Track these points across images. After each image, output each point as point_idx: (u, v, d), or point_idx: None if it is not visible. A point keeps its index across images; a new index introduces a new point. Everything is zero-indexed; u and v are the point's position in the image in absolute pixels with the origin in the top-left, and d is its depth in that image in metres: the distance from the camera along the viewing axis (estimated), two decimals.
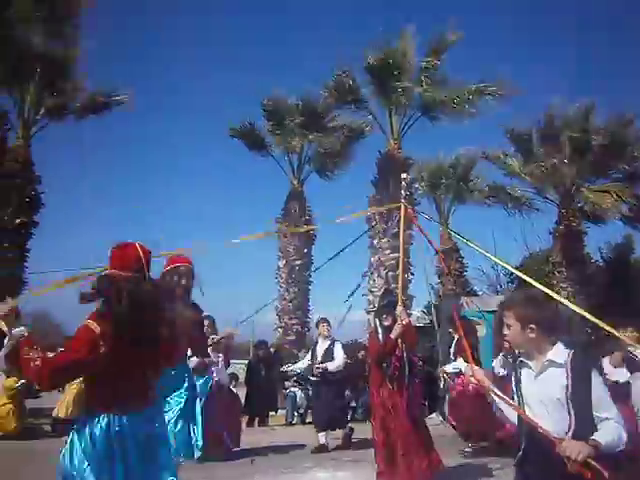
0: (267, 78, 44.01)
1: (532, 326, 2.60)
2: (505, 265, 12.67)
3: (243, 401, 10.06)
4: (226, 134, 16.20)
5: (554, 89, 34.16)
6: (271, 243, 16.29)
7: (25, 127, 13.04)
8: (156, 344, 2.78)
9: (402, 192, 5.70)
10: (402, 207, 5.64)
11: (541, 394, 2.57)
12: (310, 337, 17.31)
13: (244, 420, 9.97)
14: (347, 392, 10.44)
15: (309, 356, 8.05)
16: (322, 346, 7.70)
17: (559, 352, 2.60)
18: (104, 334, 2.61)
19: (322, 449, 7.24)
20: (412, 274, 12.91)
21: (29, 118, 13.08)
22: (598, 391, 2.48)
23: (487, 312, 12.22)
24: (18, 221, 12.24)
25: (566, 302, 4.78)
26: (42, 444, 7.28)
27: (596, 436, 2.37)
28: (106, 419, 2.64)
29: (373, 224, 12.95)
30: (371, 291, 12.96)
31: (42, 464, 5.45)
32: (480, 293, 19.79)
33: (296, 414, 10.29)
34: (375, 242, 12.99)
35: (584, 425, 2.44)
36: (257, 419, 10.02)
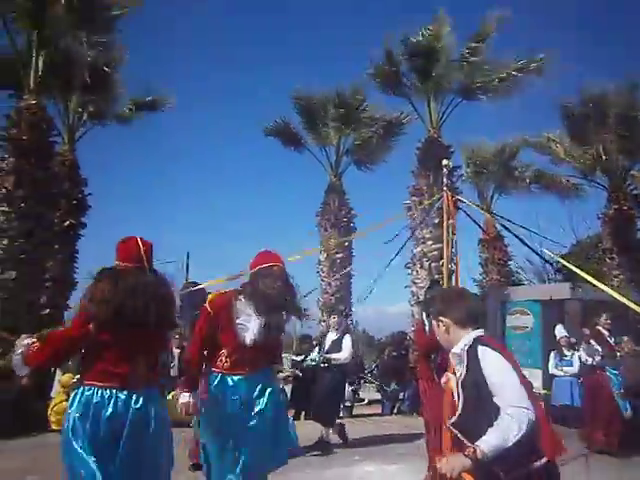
0: (300, 74, 43.97)
1: (442, 319, 2.54)
2: (551, 255, 12.26)
3: (289, 395, 10.13)
4: (262, 133, 16.27)
5: (598, 68, 32.86)
6: (312, 237, 16.31)
7: (70, 132, 13.46)
8: (148, 328, 3.02)
9: (444, 179, 5.58)
10: (444, 195, 5.53)
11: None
12: (353, 330, 17.31)
13: (290, 414, 10.04)
14: (350, 388, 10.36)
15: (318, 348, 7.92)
16: (331, 337, 7.61)
17: (461, 343, 2.47)
18: (95, 316, 2.96)
19: (321, 444, 6.84)
20: (455, 265, 12.65)
21: (74, 123, 13.49)
22: (495, 377, 2.29)
23: (534, 302, 11.92)
24: (66, 223, 12.67)
25: (608, 290, 4.56)
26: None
27: (481, 440, 2.14)
28: (99, 391, 2.93)
29: (414, 215, 12.76)
30: (414, 282, 12.78)
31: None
32: (526, 283, 19.34)
33: (342, 407, 10.26)
34: (417, 233, 12.79)
35: (470, 412, 2.34)
36: (303, 413, 10.03)
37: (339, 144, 15.58)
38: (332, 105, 14.91)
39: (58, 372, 9.00)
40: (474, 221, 5.70)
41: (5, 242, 9.67)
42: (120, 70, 13.40)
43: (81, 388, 3.01)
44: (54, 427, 8.11)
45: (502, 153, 15.87)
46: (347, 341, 7.41)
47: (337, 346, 7.37)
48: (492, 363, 2.34)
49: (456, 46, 13.23)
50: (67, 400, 8.20)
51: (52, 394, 8.92)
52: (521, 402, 2.21)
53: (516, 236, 6.95)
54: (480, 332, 2.52)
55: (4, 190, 9.96)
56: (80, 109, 13.49)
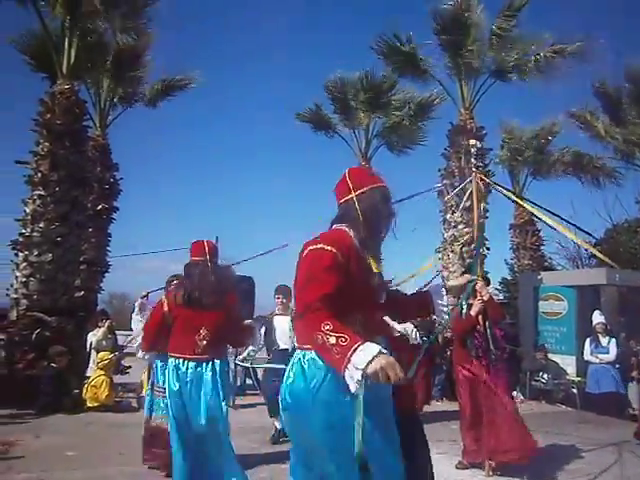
0: (330, 59, 43.50)
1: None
2: (584, 244, 11.94)
3: None
4: (293, 117, 16.19)
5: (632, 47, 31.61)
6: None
7: (102, 117, 13.61)
8: (210, 309, 3.93)
9: (472, 160, 5.39)
10: (474, 176, 5.34)
11: None
12: None
13: None
14: None
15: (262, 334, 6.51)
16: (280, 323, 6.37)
17: None
18: (170, 304, 4.09)
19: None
20: (487, 249, 12.44)
21: (105, 108, 13.63)
22: None
23: (568, 287, 11.67)
24: (99, 207, 12.89)
25: None
26: (129, 417, 7.66)
27: None
28: (175, 361, 3.93)
29: (446, 198, 12.56)
30: (445, 267, 12.61)
31: (129, 436, 5.74)
32: (559, 268, 18.94)
33: None
34: (448, 217, 12.60)
35: None
36: None
37: (369, 127, 15.40)
38: (362, 88, 14.71)
39: (93, 352, 9.22)
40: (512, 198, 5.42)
41: (41, 225, 9.87)
42: (150, 54, 13.48)
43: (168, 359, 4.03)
44: (89, 404, 8.33)
45: (538, 137, 15.44)
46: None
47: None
48: None
49: (487, 22, 12.84)
50: (104, 375, 8.46)
51: (88, 373, 9.15)
52: None
53: (544, 222, 6.73)
54: None
55: (39, 174, 10.13)
56: (111, 94, 13.61)
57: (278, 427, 6.03)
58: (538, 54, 12.52)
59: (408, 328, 6.99)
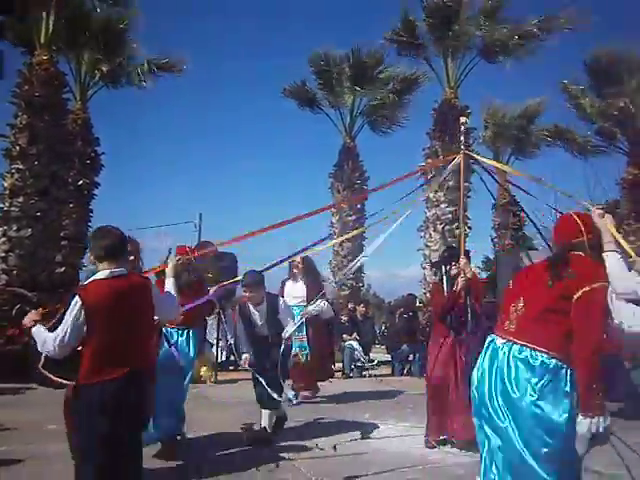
0: (315, 32, 42.97)
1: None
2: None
3: None
4: (278, 94, 16.04)
5: (623, 23, 31.62)
6: (324, 199, 16.23)
7: (82, 90, 13.34)
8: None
9: (461, 138, 5.38)
10: (461, 154, 5.35)
11: None
12: (364, 292, 17.39)
13: None
14: (360, 348, 10.41)
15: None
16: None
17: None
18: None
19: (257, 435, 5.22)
20: (469, 228, 12.58)
21: (86, 81, 13.35)
22: None
23: None
24: (80, 182, 12.70)
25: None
26: None
27: None
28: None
29: (429, 177, 12.61)
30: (427, 246, 12.74)
31: None
32: (540, 248, 19.17)
33: (353, 367, 10.42)
34: (431, 195, 12.68)
35: None
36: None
37: (353, 105, 15.33)
38: (347, 65, 14.61)
39: None
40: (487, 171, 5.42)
41: (20, 200, 9.75)
42: (134, 30, 13.17)
43: None
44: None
45: (522, 116, 15.48)
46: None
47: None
48: None
49: (475, 2, 12.80)
50: None
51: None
52: None
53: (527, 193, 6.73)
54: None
55: (18, 147, 9.96)
56: (93, 68, 13.31)
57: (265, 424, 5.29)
58: (524, 31, 12.51)
59: (321, 305, 6.92)
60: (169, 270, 3.97)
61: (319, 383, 7.77)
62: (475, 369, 2.81)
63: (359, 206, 15.45)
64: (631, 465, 3.18)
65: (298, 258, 6.73)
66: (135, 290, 3.06)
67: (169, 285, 3.76)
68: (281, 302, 5.56)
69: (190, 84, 46.48)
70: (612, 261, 2.62)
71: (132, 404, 2.90)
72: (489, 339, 2.82)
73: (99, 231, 3.20)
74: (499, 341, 2.72)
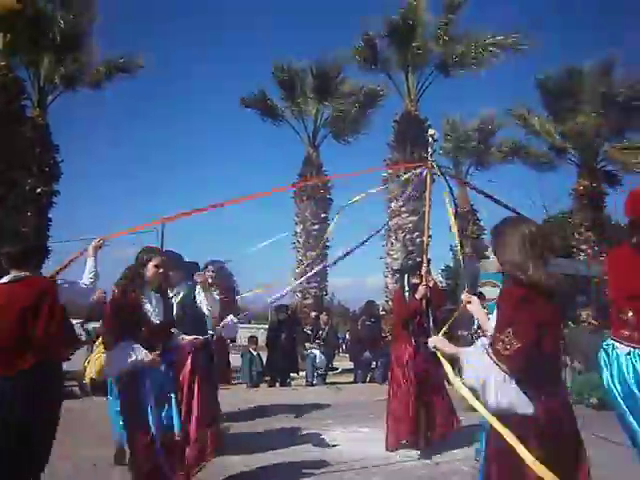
0: (278, 44, 43.23)
1: None
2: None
3: (265, 363, 10.31)
4: (238, 104, 16.10)
5: (574, 45, 33.09)
6: (287, 208, 16.36)
7: (41, 96, 13.08)
8: None
9: (429, 149, 5.54)
10: (429, 165, 5.49)
11: None
12: (327, 300, 17.52)
13: (266, 382, 10.24)
14: (323, 357, 10.48)
15: None
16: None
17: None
18: None
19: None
20: (430, 237, 12.85)
21: (44, 87, 13.10)
22: None
23: (503, 274, 12.25)
24: (39, 190, 12.41)
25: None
26: (72, 403, 7.53)
27: None
28: None
29: (390, 187, 12.90)
30: (389, 254, 12.98)
31: (78, 421, 5.69)
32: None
33: (316, 374, 10.50)
34: (393, 205, 12.95)
35: None
36: (279, 380, 10.24)
37: (317, 116, 15.53)
38: (310, 76, 14.81)
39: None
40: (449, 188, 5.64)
41: None
42: (93, 33, 13.05)
43: None
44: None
45: (482, 129, 16.04)
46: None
47: None
48: None
49: (433, 20, 13.24)
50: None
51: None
52: None
53: (501, 203, 7.00)
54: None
55: None
56: (52, 72, 13.09)
57: None
58: (479, 48, 12.97)
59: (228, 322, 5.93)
60: (90, 250, 3.96)
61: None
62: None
63: (323, 215, 15.62)
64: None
65: (210, 269, 5.68)
66: (30, 293, 3.27)
67: (88, 266, 3.88)
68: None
69: (151, 89, 45.98)
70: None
71: (24, 398, 3.12)
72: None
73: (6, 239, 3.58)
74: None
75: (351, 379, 10.99)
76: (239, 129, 51.04)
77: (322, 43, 37.68)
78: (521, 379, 2.09)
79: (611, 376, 3.14)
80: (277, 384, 10.16)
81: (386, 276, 13.57)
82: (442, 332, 2.79)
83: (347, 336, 15.43)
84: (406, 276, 5.69)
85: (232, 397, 8.29)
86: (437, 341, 2.54)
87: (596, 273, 12.67)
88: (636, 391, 3.01)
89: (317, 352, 10.59)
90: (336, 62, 14.65)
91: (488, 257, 17.14)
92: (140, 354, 3.38)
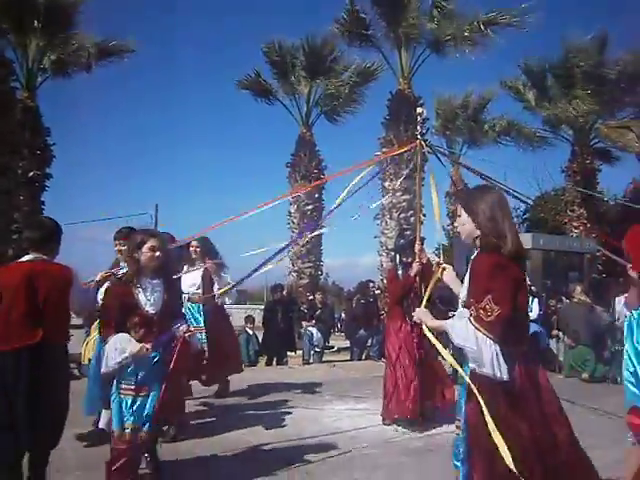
0: (270, 21, 42.62)
1: None
2: (522, 197, 12.61)
3: (261, 342, 10.43)
4: (234, 85, 15.96)
5: (568, 22, 32.87)
6: (282, 188, 16.34)
7: (30, 78, 12.93)
8: None
9: (418, 128, 5.54)
10: (418, 143, 5.52)
11: None
12: (322, 280, 17.63)
13: (263, 361, 10.37)
14: (319, 334, 10.59)
15: None
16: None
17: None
18: None
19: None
20: (424, 215, 12.91)
21: (33, 69, 12.94)
22: None
23: None
24: (31, 174, 12.35)
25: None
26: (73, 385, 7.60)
27: None
28: None
29: (384, 166, 12.87)
30: (383, 233, 13.04)
31: (77, 402, 5.75)
32: None
33: (313, 353, 10.63)
34: (387, 184, 12.96)
35: None
36: (275, 359, 10.37)
37: (309, 94, 15.43)
38: (302, 54, 14.68)
39: None
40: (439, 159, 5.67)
41: None
42: (82, 16, 12.85)
43: None
44: None
45: (469, 105, 15.99)
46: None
47: None
48: None
49: None
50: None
51: None
52: None
53: (498, 182, 7.05)
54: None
55: None
56: (40, 55, 12.91)
57: None
58: (472, 25, 12.87)
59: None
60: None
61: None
62: None
63: (317, 195, 15.62)
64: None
65: (194, 242, 5.86)
66: (46, 275, 3.40)
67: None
68: None
69: (143, 72, 45.43)
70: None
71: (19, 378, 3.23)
72: None
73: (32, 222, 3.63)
74: None
75: (347, 357, 11.14)
76: (233, 110, 50.62)
77: (314, 20, 37.24)
78: (502, 344, 2.15)
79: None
80: (274, 363, 10.29)
81: (381, 255, 13.65)
82: (424, 304, 2.85)
83: (342, 315, 15.56)
84: (398, 255, 5.77)
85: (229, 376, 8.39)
86: (421, 313, 2.58)
87: (588, 249, 12.81)
88: None
89: (314, 330, 10.70)
90: (328, 40, 14.51)
91: None
92: (129, 347, 3.31)
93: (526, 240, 12.30)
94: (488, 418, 2.09)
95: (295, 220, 15.70)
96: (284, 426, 5.38)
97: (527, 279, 2.44)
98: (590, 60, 13.99)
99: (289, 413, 5.96)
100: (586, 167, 15.41)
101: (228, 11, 52.54)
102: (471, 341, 2.19)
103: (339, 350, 12.07)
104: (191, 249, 5.96)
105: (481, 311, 2.16)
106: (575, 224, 15.07)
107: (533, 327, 9.93)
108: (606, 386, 7.77)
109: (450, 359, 2.49)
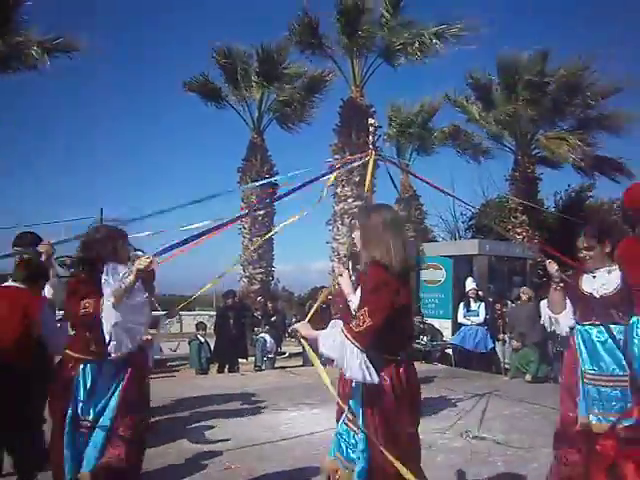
0: (222, 26, 42.31)
1: None
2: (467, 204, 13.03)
3: (213, 349, 10.29)
4: (182, 87, 15.73)
5: (512, 36, 34.24)
6: (233, 194, 16.22)
7: None
8: None
9: (370, 138, 5.71)
10: (371, 153, 5.68)
11: None
12: (273, 286, 17.57)
13: (214, 367, 10.23)
14: (272, 341, 10.63)
15: None
16: None
17: None
18: None
19: None
20: None
21: None
22: None
23: (446, 257, 12.71)
24: None
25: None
26: None
27: None
28: None
29: (336, 172, 13.00)
30: (335, 239, 13.14)
31: None
32: (439, 240, 20.36)
33: (265, 359, 10.57)
34: (339, 190, 13.10)
35: None
36: (227, 366, 10.25)
37: (261, 100, 15.41)
38: (255, 60, 14.64)
39: None
40: (393, 181, 5.88)
41: None
42: (25, 9, 12.37)
43: None
44: None
45: (421, 112, 16.36)
46: None
47: None
48: None
49: (380, 6, 13.36)
50: None
51: None
52: None
53: (446, 193, 7.29)
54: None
55: None
56: None
57: None
58: (422, 36, 13.21)
59: None
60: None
61: None
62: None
63: (268, 200, 15.56)
64: None
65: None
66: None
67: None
68: None
69: (88, 70, 44.05)
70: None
71: None
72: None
73: None
74: None
75: (300, 362, 11.14)
76: (183, 113, 49.71)
77: (266, 27, 37.14)
78: (370, 352, 2.34)
79: None
80: (226, 370, 10.18)
81: (332, 260, 13.74)
82: (308, 317, 3.09)
83: (294, 320, 15.54)
84: (351, 261, 5.85)
85: (180, 384, 8.26)
86: (300, 327, 2.70)
87: (531, 255, 13.35)
88: None
89: (267, 337, 10.66)
90: (281, 46, 14.54)
91: (431, 241, 17.70)
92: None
93: (472, 246, 12.72)
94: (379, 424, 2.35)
95: (247, 225, 15.59)
96: (238, 434, 5.33)
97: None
98: (532, 73, 14.59)
99: (243, 420, 5.92)
100: (528, 176, 16.03)
101: (178, 10, 51.70)
102: (337, 349, 2.36)
103: (291, 356, 12.06)
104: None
105: (355, 321, 2.35)
106: (518, 230, 15.66)
107: (480, 331, 10.31)
108: (549, 386, 8.11)
109: (320, 368, 2.83)
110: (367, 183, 5.95)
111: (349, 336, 2.33)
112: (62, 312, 3.67)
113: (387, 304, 2.34)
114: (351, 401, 2.57)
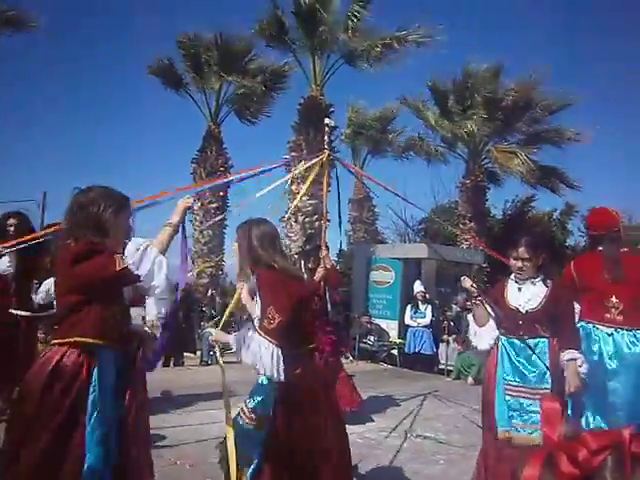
0: (193, 11, 41.31)
1: None
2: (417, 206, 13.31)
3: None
4: (144, 70, 15.35)
5: (470, 48, 35.19)
6: (186, 184, 15.91)
7: None
8: None
9: (325, 138, 5.75)
10: (326, 153, 5.73)
11: None
12: (221, 280, 17.40)
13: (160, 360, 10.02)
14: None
15: None
16: None
17: None
18: None
19: None
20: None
21: None
22: None
23: (395, 260, 12.93)
24: None
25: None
26: None
27: None
28: None
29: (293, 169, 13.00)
30: (288, 236, 13.14)
31: None
32: (389, 242, 20.70)
33: (211, 354, 10.44)
34: (293, 188, 13.09)
35: None
36: (172, 359, 10.08)
37: (220, 91, 15.21)
38: (216, 49, 14.44)
39: None
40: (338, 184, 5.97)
41: None
42: None
43: None
44: None
45: (381, 118, 16.58)
46: None
47: None
48: None
49: (342, 8, 13.47)
50: None
51: None
52: None
53: (398, 195, 7.43)
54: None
55: None
56: None
57: None
58: (384, 40, 13.39)
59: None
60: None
61: None
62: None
63: (221, 193, 15.39)
64: None
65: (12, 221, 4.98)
66: None
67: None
68: None
69: (42, 49, 42.05)
70: None
71: None
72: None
73: None
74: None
75: None
76: (142, 97, 48.10)
77: (233, 18, 36.46)
78: (285, 347, 2.53)
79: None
80: (171, 364, 10.00)
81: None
82: (222, 324, 3.53)
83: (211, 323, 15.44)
84: (303, 260, 5.88)
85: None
86: (215, 334, 2.99)
87: (476, 260, 13.77)
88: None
89: (213, 331, 10.51)
90: (243, 38, 14.40)
91: (382, 242, 17.98)
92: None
93: (421, 249, 12.99)
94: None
95: (198, 217, 15.37)
96: (185, 428, 5.25)
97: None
98: (487, 86, 15.06)
99: (190, 415, 5.84)
100: (477, 184, 16.54)
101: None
102: (252, 349, 2.54)
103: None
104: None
105: (265, 320, 2.53)
106: (466, 237, 16.14)
107: (425, 332, 10.56)
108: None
109: (223, 368, 3.06)
110: (307, 183, 6.04)
111: (264, 334, 2.51)
112: None
113: (290, 299, 2.57)
114: (256, 397, 2.85)
